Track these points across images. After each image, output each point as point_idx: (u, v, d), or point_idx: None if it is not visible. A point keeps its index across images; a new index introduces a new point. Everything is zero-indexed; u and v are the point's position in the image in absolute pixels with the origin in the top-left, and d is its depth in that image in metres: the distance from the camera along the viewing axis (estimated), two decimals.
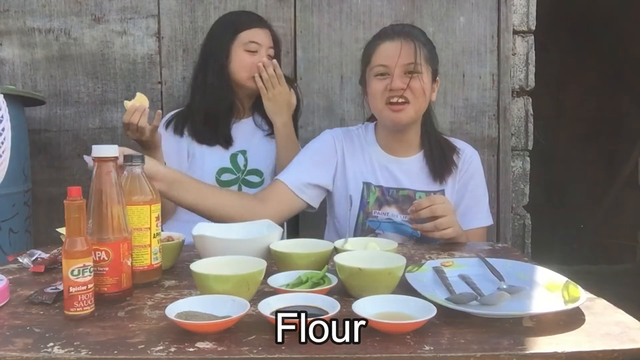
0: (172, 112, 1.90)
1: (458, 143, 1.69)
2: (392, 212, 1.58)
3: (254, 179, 1.88)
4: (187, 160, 1.84)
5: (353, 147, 1.65)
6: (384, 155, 1.63)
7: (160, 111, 1.65)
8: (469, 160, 1.64)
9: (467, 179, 1.63)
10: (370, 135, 1.67)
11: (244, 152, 1.87)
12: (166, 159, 1.62)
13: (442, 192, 1.60)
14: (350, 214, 1.59)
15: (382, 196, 1.60)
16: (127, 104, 1.60)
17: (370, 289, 0.95)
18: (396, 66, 1.48)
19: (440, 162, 1.60)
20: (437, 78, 1.60)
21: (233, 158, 1.86)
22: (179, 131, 1.83)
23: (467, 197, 1.63)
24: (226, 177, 1.84)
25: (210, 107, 1.81)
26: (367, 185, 1.61)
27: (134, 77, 2.16)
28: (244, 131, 1.90)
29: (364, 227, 1.59)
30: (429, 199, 1.40)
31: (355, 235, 1.57)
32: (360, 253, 1.11)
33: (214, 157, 1.84)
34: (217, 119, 1.83)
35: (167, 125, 1.85)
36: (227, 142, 1.85)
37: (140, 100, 1.61)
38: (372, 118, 1.72)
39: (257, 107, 1.92)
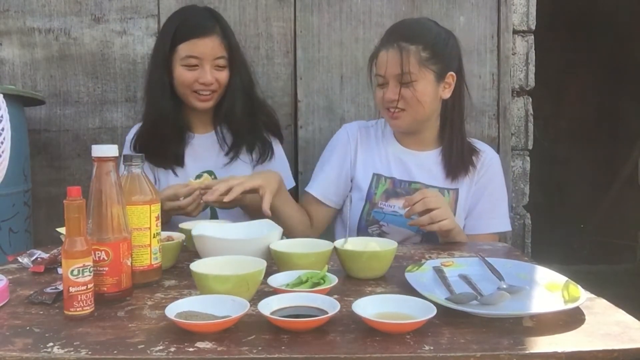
0: (136, 128, 1.74)
1: (479, 144, 1.67)
2: (399, 204, 1.55)
3: None
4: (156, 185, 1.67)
5: (368, 140, 1.66)
6: (399, 148, 1.63)
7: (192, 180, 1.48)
8: (489, 163, 1.62)
9: (486, 182, 1.61)
10: (388, 128, 1.67)
11: (210, 173, 1.67)
12: None
13: (456, 190, 1.59)
14: (351, 210, 1.59)
15: (392, 188, 1.59)
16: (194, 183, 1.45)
17: (367, 269, 1.12)
18: (389, 76, 1.50)
19: (457, 160, 1.58)
20: (451, 73, 1.54)
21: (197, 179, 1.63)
22: (137, 152, 1.65)
23: (484, 200, 1.60)
24: None
25: (154, 124, 1.65)
26: (377, 176, 1.61)
27: (134, 77, 2.16)
28: (206, 148, 1.73)
29: (369, 218, 1.58)
30: (421, 192, 1.39)
31: (359, 227, 1.59)
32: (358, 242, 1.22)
33: (177, 182, 1.63)
34: (163, 136, 1.64)
35: (128, 139, 1.72)
36: (177, 162, 1.67)
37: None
38: None
39: (218, 118, 1.74)
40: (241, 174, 1.58)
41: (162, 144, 1.65)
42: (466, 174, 1.59)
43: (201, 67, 1.61)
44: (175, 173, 1.69)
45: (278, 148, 1.85)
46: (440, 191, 1.57)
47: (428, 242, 1.56)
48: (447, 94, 1.55)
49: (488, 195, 1.60)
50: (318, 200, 1.65)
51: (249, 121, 1.73)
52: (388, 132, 1.67)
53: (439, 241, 1.52)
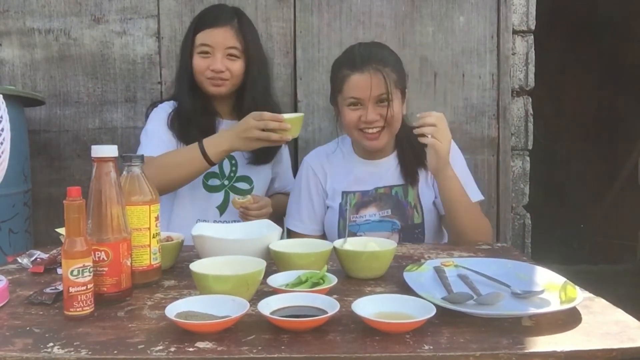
0: (168, 105, 1.80)
1: None
2: (369, 212, 1.64)
3: (243, 185, 1.80)
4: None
5: (331, 165, 1.73)
6: (362, 162, 1.69)
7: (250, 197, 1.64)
8: None
9: None
10: (348, 146, 1.75)
11: (230, 157, 1.78)
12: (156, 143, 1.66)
13: (417, 188, 1.65)
14: (328, 227, 1.71)
15: (361, 199, 1.66)
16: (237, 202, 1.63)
17: (366, 269, 1.12)
18: (368, 98, 1.54)
19: (412, 161, 1.65)
20: (406, 90, 1.64)
21: (220, 162, 1.74)
22: (169, 125, 1.75)
23: None
24: (213, 182, 1.77)
25: (188, 109, 1.74)
26: (346, 193, 1.67)
27: (134, 77, 2.16)
28: None
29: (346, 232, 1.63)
30: (434, 116, 1.43)
31: None
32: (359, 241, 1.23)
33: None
34: (195, 121, 1.73)
35: (156, 110, 1.78)
36: None
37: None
38: None
39: (239, 108, 1.80)
40: (259, 168, 1.81)
41: (194, 127, 1.72)
42: (422, 167, 1.65)
43: (213, 56, 1.70)
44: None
45: (285, 149, 1.95)
46: (404, 188, 1.65)
47: (405, 241, 1.60)
48: (405, 109, 1.64)
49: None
50: (300, 234, 1.73)
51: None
52: (347, 151, 1.73)
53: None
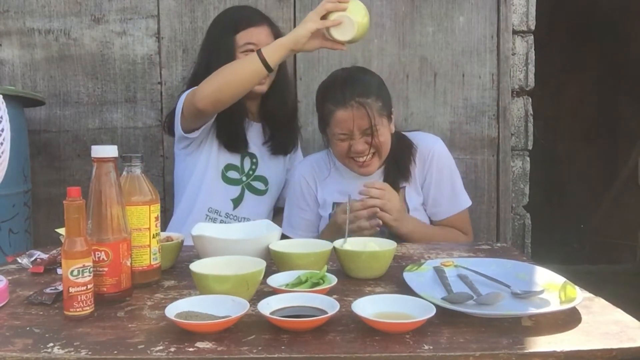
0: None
1: (417, 138, 1.72)
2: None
3: (260, 185, 1.85)
4: (204, 139, 1.76)
5: (322, 175, 1.74)
6: (351, 174, 1.69)
7: None
8: (431, 156, 1.67)
9: (435, 174, 1.67)
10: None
11: (252, 156, 1.84)
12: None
13: (403, 188, 1.66)
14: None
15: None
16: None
17: (366, 269, 1.13)
18: (354, 132, 1.55)
19: (396, 175, 1.66)
20: (393, 110, 1.65)
21: (242, 158, 1.84)
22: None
23: (441, 187, 1.67)
24: (232, 174, 1.81)
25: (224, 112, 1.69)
26: (337, 204, 1.67)
27: (134, 77, 2.16)
28: (254, 135, 1.86)
29: None
30: (382, 184, 1.52)
31: None
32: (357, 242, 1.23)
33: (226, 151, 1.80)
34: (233, 123, 1.76)
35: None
36: (243, 146, 1.81)
37: None
38: None
39: (264, 108, 1.86)
40: (276, 169, 1.89)
41: (234, 128, 1.77)
42: (407, 178, 1.66)
43: None
44: (240, 149, 1.82)
45: (299, 154, 2.00)
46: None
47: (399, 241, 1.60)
48: (392, 128, 1.65)
49: (442, 182, 1.67)
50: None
51: (288, 114, 1.89)
52: (338, 164, 1.72)
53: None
